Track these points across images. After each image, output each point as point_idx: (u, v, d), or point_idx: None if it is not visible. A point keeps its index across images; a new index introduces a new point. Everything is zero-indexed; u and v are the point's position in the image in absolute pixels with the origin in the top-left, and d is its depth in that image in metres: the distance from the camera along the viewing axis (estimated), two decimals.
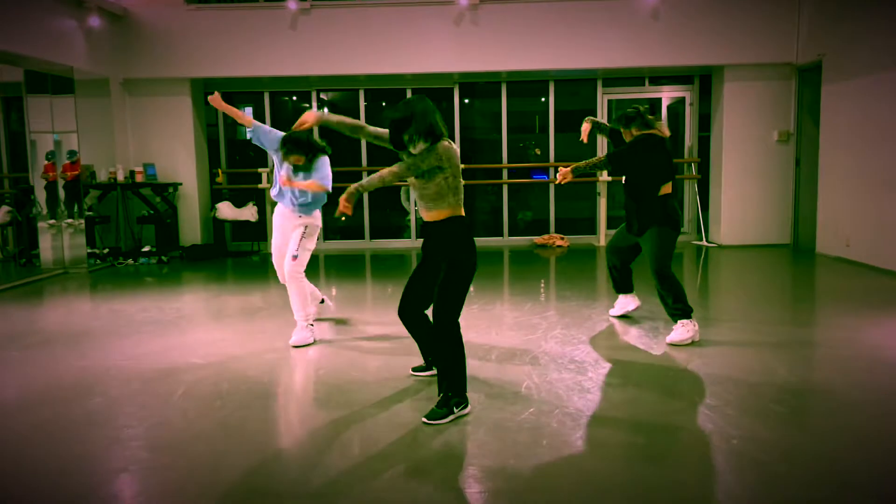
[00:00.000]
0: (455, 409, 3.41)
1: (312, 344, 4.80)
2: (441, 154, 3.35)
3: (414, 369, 4.09)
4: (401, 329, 4.97)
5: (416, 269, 3.70)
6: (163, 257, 9.00)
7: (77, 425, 3.45)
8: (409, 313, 3.73)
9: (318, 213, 5.06)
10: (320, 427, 3.38)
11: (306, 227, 4.95)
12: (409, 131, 3.38)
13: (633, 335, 4.92)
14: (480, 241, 10.36)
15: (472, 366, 4.05)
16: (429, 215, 3.52)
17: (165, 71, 9.45)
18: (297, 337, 4.80)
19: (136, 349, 4.78)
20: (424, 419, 3.36)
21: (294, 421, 3.55)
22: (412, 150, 3.43)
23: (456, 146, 3.50)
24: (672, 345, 4.61)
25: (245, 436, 3.28)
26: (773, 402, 3.59)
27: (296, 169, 4.89)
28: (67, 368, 4.39)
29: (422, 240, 3.69)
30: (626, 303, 5.40)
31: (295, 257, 4.86)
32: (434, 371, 3.97)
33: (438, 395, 3.49)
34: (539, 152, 10.71)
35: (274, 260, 5.12)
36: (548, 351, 4.54)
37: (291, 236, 4.94)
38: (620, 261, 5.26)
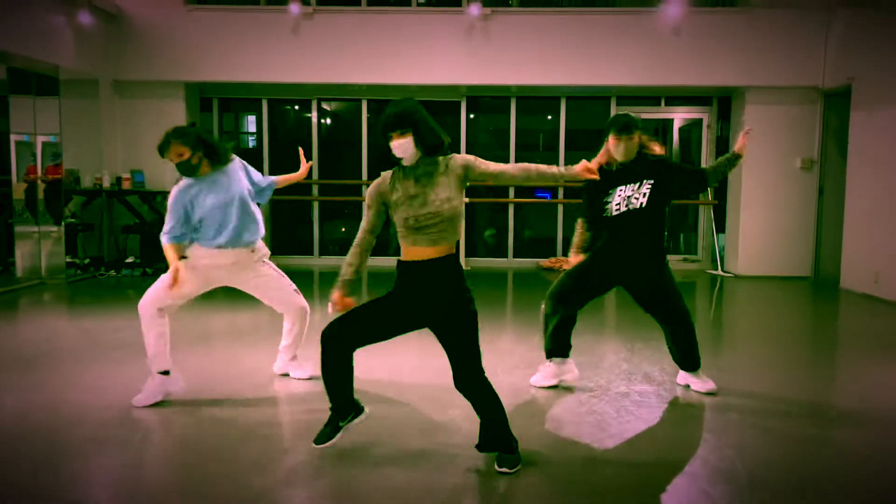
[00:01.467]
0: (518, 452, 3.06)
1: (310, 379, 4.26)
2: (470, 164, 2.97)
3: (317, 441, 3.11)
4: (395, 364, 4.48)
5: (383, 305, 3.01)
6: (147, 269, 8.48)
7: (9, 476, 2.92)
8: (346, 347, 2.98)
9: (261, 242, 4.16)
10: (295, 487, 2.86)
11: (263, 259, 4.12)
12: (416, 139, 2.88)
13: (652, 380, 4.39)
14: (484, 262, 9.89)
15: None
16: (425, 252, 2.91)
17: (159, 73, 9.00)
18: (307, 373, 4.30)
19: (98, 380, 4.25)
20: (504, 469, 2.97)
21: (266, 482, 3.01)
22: (406, 163, 2.93)
23: None
24: (710, 394, 4.10)
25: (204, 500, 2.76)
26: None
27: (185, 170, 3.74)
28: (14, 403, 3.87)
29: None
30: (562, 370, 4.20)
31: (297, 290, 4.20)
32: (339, 434, 3.13)
33: (482, 449, 3.05)
34: None
35: (171, 301, 3.87)
36: (560, 400, 4.02)
37: (262, 281, 4.07)
38: (572, 314, 4.08)
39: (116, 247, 8.89)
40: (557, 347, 4.14)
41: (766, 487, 2.91)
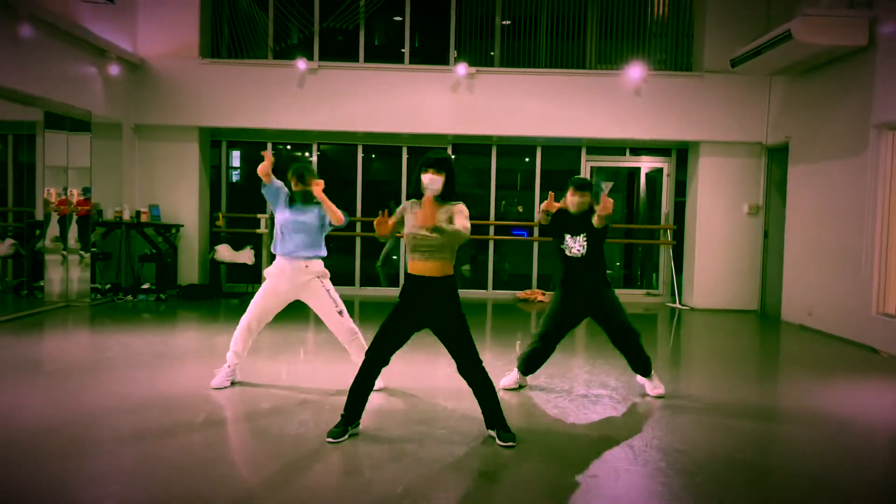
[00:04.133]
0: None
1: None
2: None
3: (330, 436, 3.87)
4: (408, 377, 5.38)
5: (398, 320, 3.92)
6: (161, 295, 9.33)
7: (100, 449, 3.80)
8: (379, 363, 3.93)
9: (321, 262, 4.92)
10: (331, 452, 3.77)
11: (321, 278, 4.82)
12: (446, 182, 3.87)
13: (607, 387, 5.34)
14: (465, 293, 10.82)
15: (461, 419, 4.46)
16: (426, 267, 3.85)
17: (176, 119, 9.96)
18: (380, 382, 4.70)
19: (152, 379, 5.14)
20: (507, 444, 3.84)
21: (303, 448, 3.90)
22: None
23: None
24: (659, 397, 5.05)
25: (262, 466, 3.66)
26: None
27: (293, 202, 4.83)
28: (91, 398, 4.73)
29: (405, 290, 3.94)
30: (523, 379, 5.28)
31: (341, 313, 4.80)
32: (346, 435, 3.93)
33: (488, 427, 3.99)
34: (521, 209, 11.28)
35: (251, 324, 4.86)
36: (533, 398, 4.98)
37: (314, 298, 4.79)
38: (549, 350, 5.10)
39: (133, 274, 9.72)
40: (527, 369, 5.21)
41: (692, 458, 3.86)
